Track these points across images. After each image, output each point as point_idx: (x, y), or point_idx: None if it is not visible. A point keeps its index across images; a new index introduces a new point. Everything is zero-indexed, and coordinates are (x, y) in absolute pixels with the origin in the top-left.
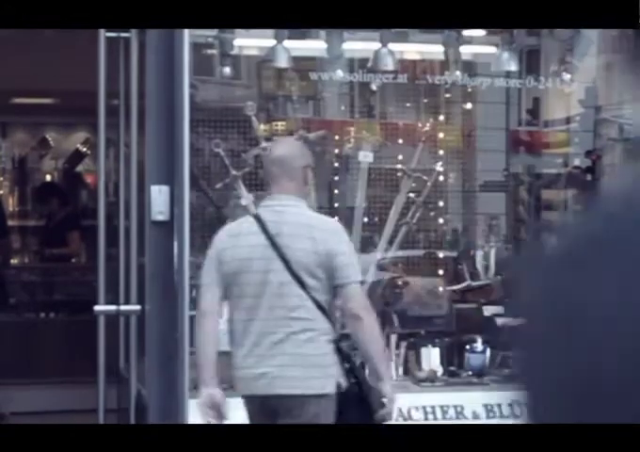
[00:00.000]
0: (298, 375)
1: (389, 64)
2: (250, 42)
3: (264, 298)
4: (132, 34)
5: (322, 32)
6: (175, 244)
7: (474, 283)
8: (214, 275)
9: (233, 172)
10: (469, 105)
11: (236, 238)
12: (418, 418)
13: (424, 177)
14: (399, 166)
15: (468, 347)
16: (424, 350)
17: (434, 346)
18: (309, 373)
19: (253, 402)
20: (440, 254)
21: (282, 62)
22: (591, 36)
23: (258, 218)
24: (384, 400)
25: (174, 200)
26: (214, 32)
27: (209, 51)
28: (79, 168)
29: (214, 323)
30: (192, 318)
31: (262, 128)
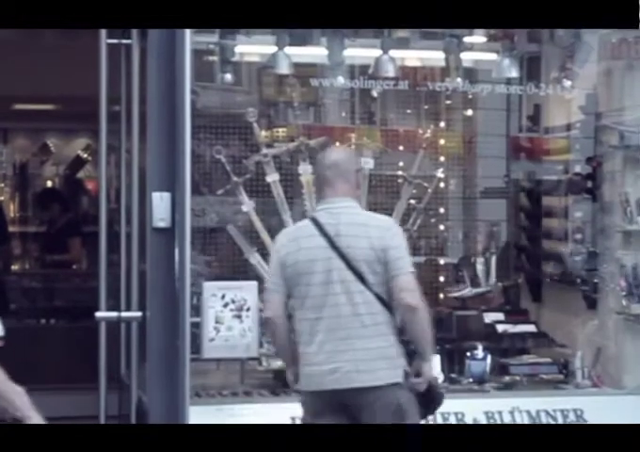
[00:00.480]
0: (369, 368)
1: (389, 71)
2: (251, 49)
3: (328, 297)
4: (133, 40)
5: (323, 38)
6: (176, 250)
7: (475, 290)
8: (278, 280)
9: (235, 179)
10: (469, 112)
11: (297, 242)
12: None
13: (425, 184)
14: (400, 172)
15: (468, 353)
16: None
17: (434, 352)
18: (378, 365)
19: (322, 398)
20: (441, 261)
21: (283, 68)
22: (591, 42)
23: (315, 221)
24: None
25: (175, 206)
26: (215, 38)
27: (210, 57)
28: (80, 174)
29: (283, 325)
30: (193, 325)
31: (263, 134)
